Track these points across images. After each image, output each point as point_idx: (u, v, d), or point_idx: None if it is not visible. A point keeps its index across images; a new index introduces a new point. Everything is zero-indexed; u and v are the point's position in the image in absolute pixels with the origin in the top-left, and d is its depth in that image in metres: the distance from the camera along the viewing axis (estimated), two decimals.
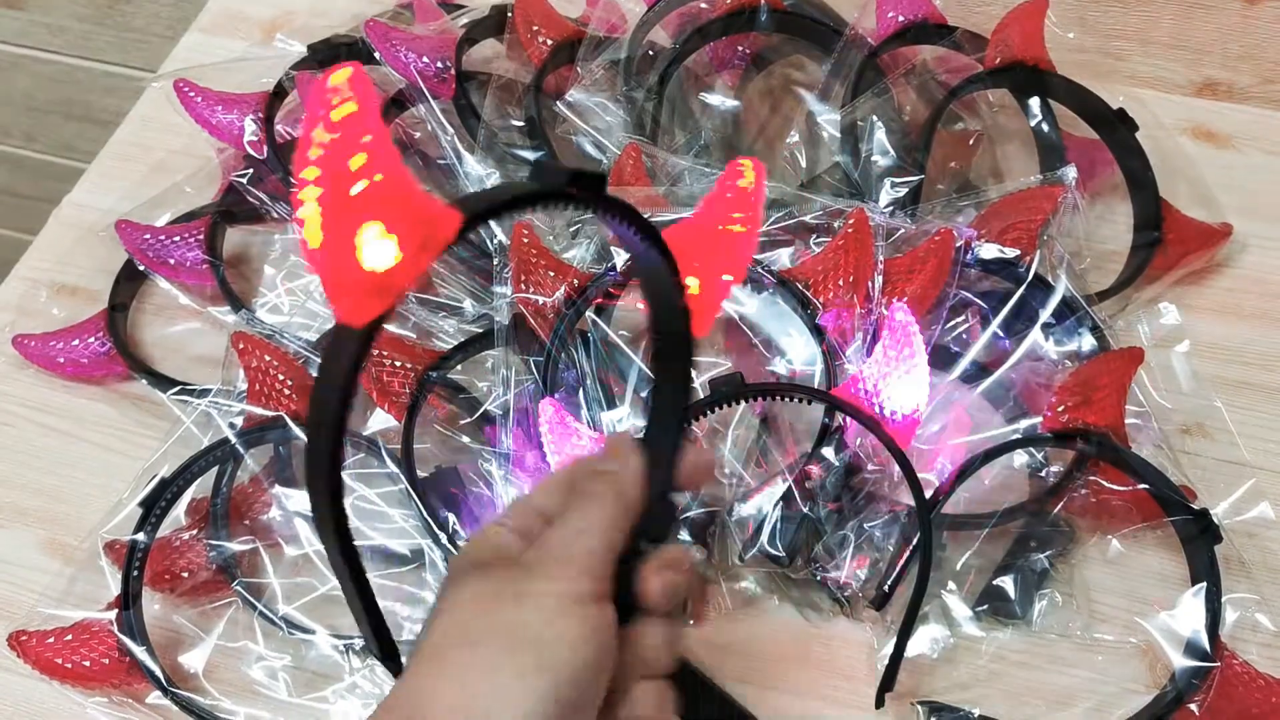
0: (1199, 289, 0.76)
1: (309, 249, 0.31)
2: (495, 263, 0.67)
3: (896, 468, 0.60)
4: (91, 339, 0.72)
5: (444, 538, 0.59)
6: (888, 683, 0.57)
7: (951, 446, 0.63)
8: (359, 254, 0.30)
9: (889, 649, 0.58)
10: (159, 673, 0.58)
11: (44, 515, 0.67)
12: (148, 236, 0.75)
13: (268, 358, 0.65)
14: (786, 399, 0.60)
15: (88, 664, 0.58)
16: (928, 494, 0.61)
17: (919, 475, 0.59)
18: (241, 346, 0.65)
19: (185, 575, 0.62)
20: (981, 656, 0.61)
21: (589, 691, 0.38)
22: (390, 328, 0.67)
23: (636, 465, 0.43)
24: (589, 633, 0.38)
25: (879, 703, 0.57)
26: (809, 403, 0.59)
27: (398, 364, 0.64)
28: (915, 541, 0.58)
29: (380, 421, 0.65)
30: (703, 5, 0.79)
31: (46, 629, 0.59)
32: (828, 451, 0.61)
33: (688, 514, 0.62)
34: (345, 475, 0.62)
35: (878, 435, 0.58)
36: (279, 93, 0.79)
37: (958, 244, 0.67)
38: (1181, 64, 0.86)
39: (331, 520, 0.34)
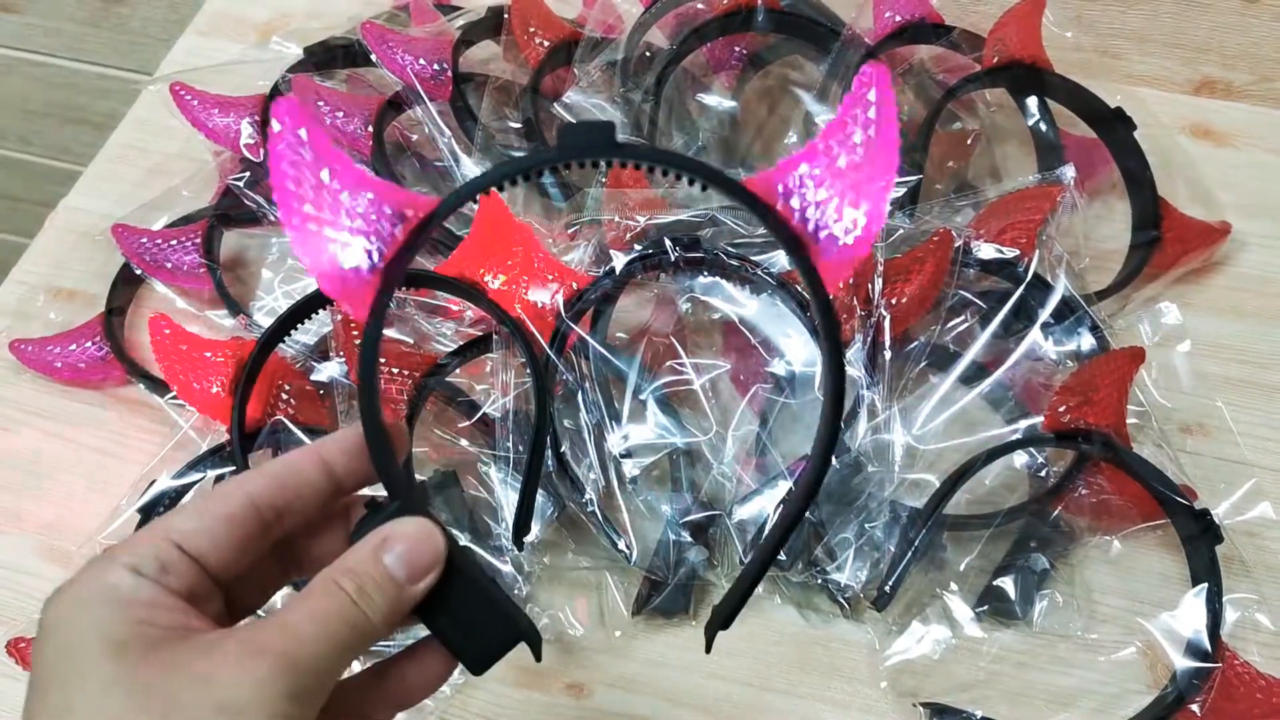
0: (1198, 288, 0.76)
1: None
2: None
3: (898, 468, 0.60)
4: (88, 343, 0.72)
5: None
6: (726, 619, 0.42)
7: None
8: None
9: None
10: None
11: (42, 521, 0.67)
12: (144, 240, 0.74)
13: None
14: (666, 173, 0.36)
15: None
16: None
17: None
18: None
19: None
20: (982, 658, 0.61)
21: None
22: (389, 333, 0.67)
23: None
24: None
25: (709, 649, 0.44)
26: (704, 188, 0.36)
27: (395, 370, 0.64)
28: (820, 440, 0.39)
29: None
30: (699, 6, 0.79)
31: None
32: None
33: (689, 517, 0.62)
34: None
35: (796, 258, 0.36)
36: (275, 95, 0.78)
37: (956, 244, 0.67)
38: (1179, 62, 0.86)
39: None
